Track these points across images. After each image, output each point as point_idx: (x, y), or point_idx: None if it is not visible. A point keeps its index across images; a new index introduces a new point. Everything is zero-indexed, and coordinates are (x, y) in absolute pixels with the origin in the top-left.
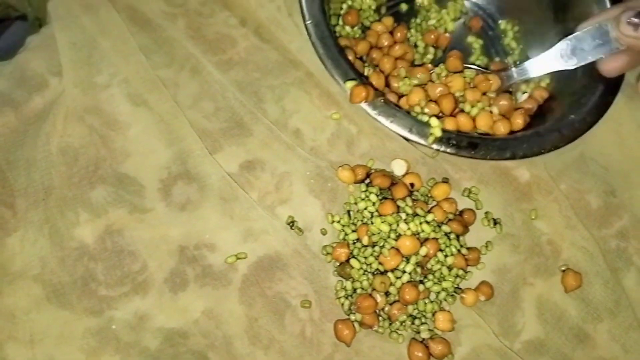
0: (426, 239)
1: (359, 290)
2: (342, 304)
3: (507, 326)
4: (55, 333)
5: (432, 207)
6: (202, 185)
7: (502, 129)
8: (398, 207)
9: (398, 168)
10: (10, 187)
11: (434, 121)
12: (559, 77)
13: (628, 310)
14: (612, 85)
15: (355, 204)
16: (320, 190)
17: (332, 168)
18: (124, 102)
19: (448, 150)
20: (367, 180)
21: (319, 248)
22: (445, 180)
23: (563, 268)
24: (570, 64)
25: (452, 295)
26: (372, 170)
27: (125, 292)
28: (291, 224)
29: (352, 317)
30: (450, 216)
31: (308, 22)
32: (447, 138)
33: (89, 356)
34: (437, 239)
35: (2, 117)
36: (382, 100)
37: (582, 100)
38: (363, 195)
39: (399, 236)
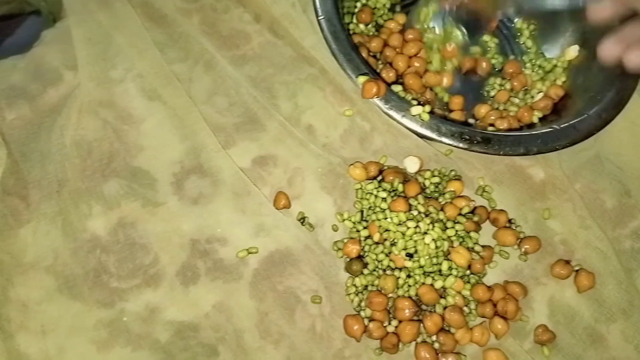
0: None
1: (369, 287)
2: (352, 300)
3: (518, 326)
4: (67, 324)
5: (444, 205)
6: (214, 179)
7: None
8: (410, 205)
9: (411, 165)
10: (24, 179)
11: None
12: (575, 75)
13: None
14: (628, 83)
15: (367, 199)
16: (332, 186)
17: (345, 164)
18: (138, 97)
19: (461, 145)
20: (380, 177)
21: (330, 244)
22: (458, 178)
23: (576, 268)
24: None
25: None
26: (385, 167)
27: (137, 284)
28: (302, 220)
29: (362, 314)
30: (465, 212)
31: (321, 18)
32: (459, 133)
33: (100, 347)
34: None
35: (17, 110)
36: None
37: (597, 97)
38: (375, 192)
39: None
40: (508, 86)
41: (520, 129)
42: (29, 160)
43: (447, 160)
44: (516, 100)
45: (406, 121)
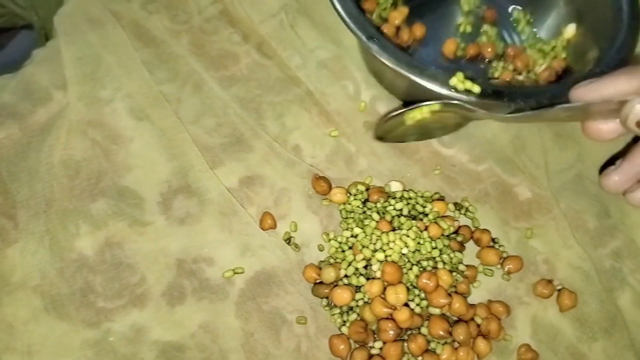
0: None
1: (354, 308)
2: (335, 321)
3: (501, 345)
4: (53, 344)
5: (428, 225)
6: (202, 199)
7: None
8: (394, 227)
9: (395, 188)
10: (12, 199)
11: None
12: (574, 51)
13: (623, 330)
14: (627, 48)
15: (352, 218)
16: (318, 206)
17: (332, 184)
18: (126, 117)
19: (474, 99)
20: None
21: (315, 264)
22: (442, 198)
23: (559, 287)
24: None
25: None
26: (370, 187)
27: (123, 304)
28: (288, 240)
29: (344, 330)
30: (448, 232)
31: None
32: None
33: None
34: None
35: (5, 129)
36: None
37: (596, 70)
38: (361, 211)
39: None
40: (511, 67)
41: None
42: (17, 180)
43: (430, 180)
44: (520, 77)
45: (419, 79)
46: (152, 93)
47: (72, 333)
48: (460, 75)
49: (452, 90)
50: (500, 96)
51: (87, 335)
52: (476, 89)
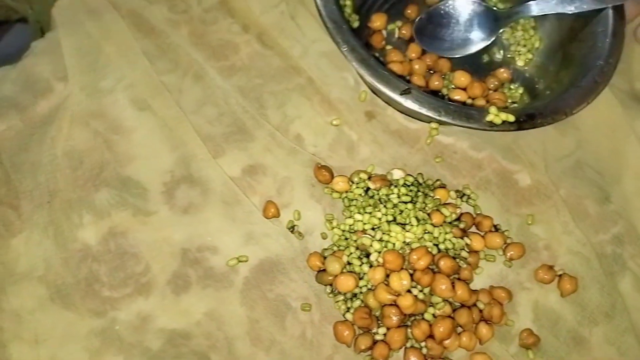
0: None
1: (358, 295)
2: (339, 307)
3: (503, 330)
4: (60, 333)
5: (430, 213)
6: (204, 189)
7: None
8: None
9: (397, 176)
10: (16, 190)
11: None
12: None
13: (623, 314)
14: (619, 22)
15: (355, 206)
16: (320, 195)
17: (335, 173)
18: (128, 107)
19: (511, 128)
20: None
21: (319, 252)
22: (443, 186)
23: (560, 273)
24: (568, 9)
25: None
26: (372, 175)
27: (129, 293)
28: (291, 228)
29: (348, 316)
30: (451, 220)
31: (344, 49)
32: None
33: (93, 356)
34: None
35: (8, 121)
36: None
37: (598, 44)
38: (364, 204)
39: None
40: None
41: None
42: (20, 171)
43: (431, 168)
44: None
45: (453, 121)
46: (153, 83)
47: (78, 322)
48: (493, 109)
49: (490, 125)
50: (533, 118)
51: (93, 324)
52: (511, 118)
